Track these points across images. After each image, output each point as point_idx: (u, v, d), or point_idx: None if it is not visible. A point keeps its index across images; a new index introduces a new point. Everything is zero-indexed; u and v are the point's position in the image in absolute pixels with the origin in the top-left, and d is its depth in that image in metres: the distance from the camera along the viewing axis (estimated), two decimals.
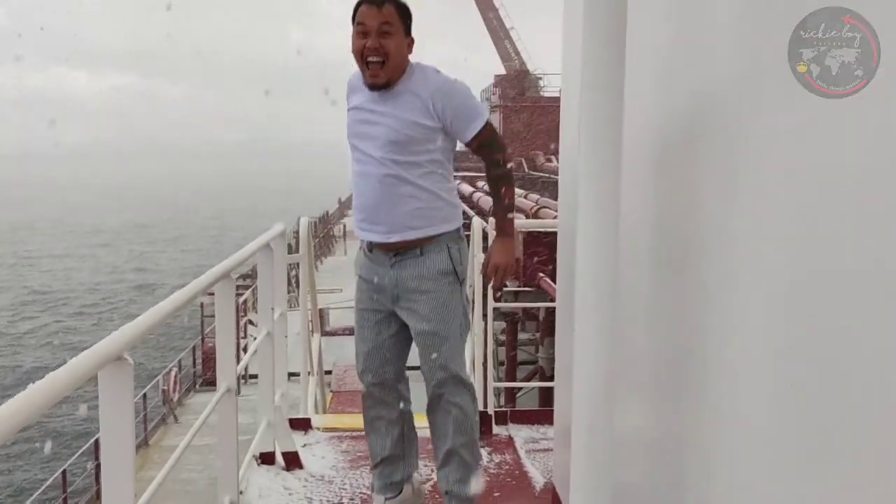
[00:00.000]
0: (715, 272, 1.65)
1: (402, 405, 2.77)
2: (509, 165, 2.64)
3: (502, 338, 13.17)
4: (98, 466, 12.82)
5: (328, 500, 3.14)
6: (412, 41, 2.54)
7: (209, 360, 18.14)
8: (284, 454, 3.38)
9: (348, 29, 2.55)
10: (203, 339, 18.53)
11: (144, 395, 14.42)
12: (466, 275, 2.79)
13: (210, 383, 17.49)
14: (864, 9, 1.27)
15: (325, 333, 11.32)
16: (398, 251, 2.60)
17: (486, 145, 2.57)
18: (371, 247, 2.67)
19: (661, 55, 1.95)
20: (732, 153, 1.55)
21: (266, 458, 3.34)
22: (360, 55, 2.48)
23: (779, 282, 1.37)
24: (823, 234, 1.23)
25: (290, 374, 3.83)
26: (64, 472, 12.29)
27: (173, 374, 16.06)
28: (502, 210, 2.60)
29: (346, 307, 18.81)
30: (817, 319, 1.24)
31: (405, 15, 2.51)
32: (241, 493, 2.78)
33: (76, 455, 13.08)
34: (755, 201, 1.46)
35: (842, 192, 1.17)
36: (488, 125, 2.57)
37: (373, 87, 2.51)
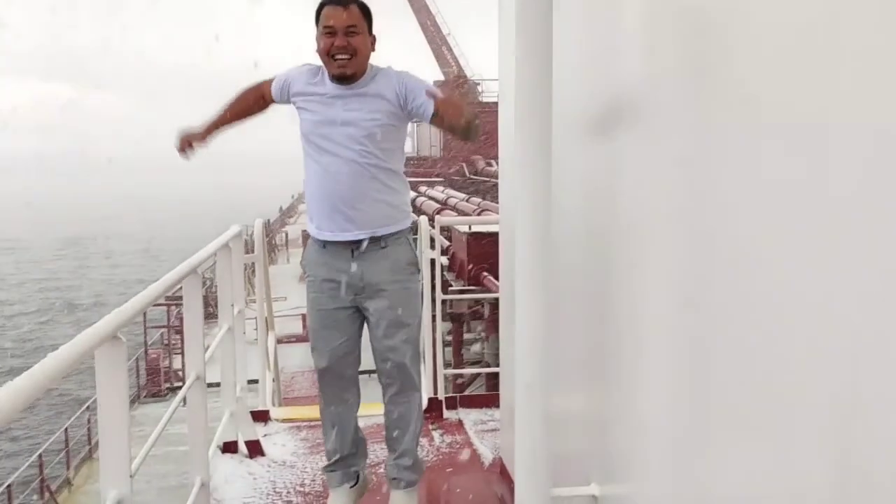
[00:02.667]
0: (629, 265, 1.89)
1: (354, 401, 2.89)
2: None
3: (449, 338, 13.42)
4: (42, 482, 12.61)
5: (291, 483, 3.33)
6: (374, 38, 2.66)
7: (153, 371, 17.92)
8: (247, 443, 3.55)
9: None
10: (146, 351, 18.28)
11: (88, 407, 14.22)
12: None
13: (155, 395, 17.28)
14: None
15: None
16: (359, 245, 2.67)
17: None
18: (325, 243, 2.72)
19: (581, 66, 2.21)
20: (642, 153, 1.81)
21: (229, 448, 3.51)
22: (327, 53, 2.58)
23: (681, 271, 1.61)
24: (716, 219, 1.47)
25: (249, 381, 3.94)
26: (9, 486, 12.05)
27: None
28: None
29: (290, 315, 18.78)
30: (715, 308, 1.47)
31: (368, 14, 2.63)
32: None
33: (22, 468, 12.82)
34: (657, 196, 1.72)
35: (730, 182, 1.41)
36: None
37: (340, 77, 2.60)
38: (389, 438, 2.91)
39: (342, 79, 2.62)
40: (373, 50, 2.67)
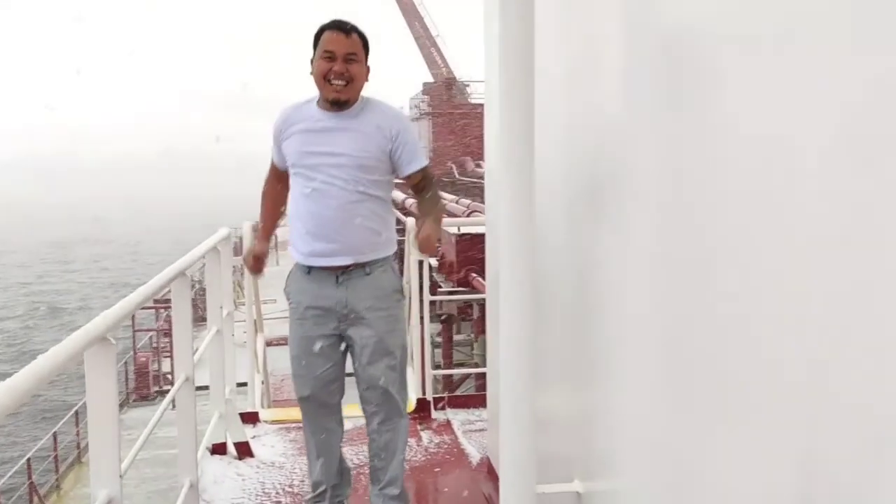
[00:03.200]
0: (611, 267, 1.94)
1: (338, 429, 2.85)
2: (441, 202, 2.80)
3: (438, 339, 13.45)
4: (31, 486, 12.55)
5: (280, 484, 3.35)
6: (369, 69, 2.68)
7: (142, 374, 17.87)
8: (236, 444, 3.57)
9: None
10: (135, 355, 18.22)
11: (77, 412, 14.18)
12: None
13: (143, 398, 17.23)
14: None
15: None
16: (344, 271, 2.68)
17: (427, 180, 2.75)
18: (310, 269, 2.71)
19: (563, 74, 2.25)
20: (624, 154, 1.85)
21: (218, 449, 3.53)
22: (324, 77, 2.60)
23: (659, 273, 1.65)
24: (692, 224, 1.51)
25: (238, 384, 3.95)
26: None
27: None
28: (436, 213, 2.72)
29: (279, 318, 18.75)
30: (692, 309, 1.51)
31: (367, 44, 2.67)
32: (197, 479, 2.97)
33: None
34: (637, 198, 1.76)
35: (704, 188, 1.46)
36: (429, 166, 2.77)
37: (335, 102, 2.63)
38: (374, 469, 2.84)
39: (335, 104, 2.64)
40: (366, 80, 2.69)
